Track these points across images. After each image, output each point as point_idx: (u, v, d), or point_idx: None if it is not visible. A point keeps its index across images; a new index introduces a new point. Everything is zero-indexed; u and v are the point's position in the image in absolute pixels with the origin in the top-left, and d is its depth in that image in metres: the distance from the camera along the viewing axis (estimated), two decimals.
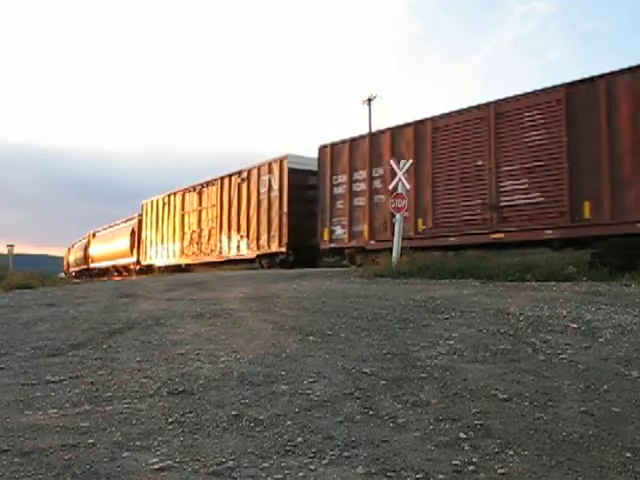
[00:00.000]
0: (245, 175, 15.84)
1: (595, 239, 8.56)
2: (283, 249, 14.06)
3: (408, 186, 9.82)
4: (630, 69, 8.54)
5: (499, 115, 10.10)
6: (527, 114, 9.74)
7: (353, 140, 12.67)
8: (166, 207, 20.09)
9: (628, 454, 2.22)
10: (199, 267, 17.48)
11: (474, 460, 2.16)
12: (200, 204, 18.06)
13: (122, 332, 4.95)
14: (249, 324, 4.99)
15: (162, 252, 19.94)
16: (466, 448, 2.28)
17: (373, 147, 12.14)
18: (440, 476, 2.04)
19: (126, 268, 22.47)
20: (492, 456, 2.20)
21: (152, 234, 20.80)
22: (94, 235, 27.19)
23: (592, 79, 8.98)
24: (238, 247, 15.82)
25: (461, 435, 2.40)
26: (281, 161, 14.49)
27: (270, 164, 14.84)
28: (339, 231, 12.75)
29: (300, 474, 2.08)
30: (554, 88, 9.43)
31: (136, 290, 8.68)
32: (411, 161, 10.14)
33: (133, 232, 22.14)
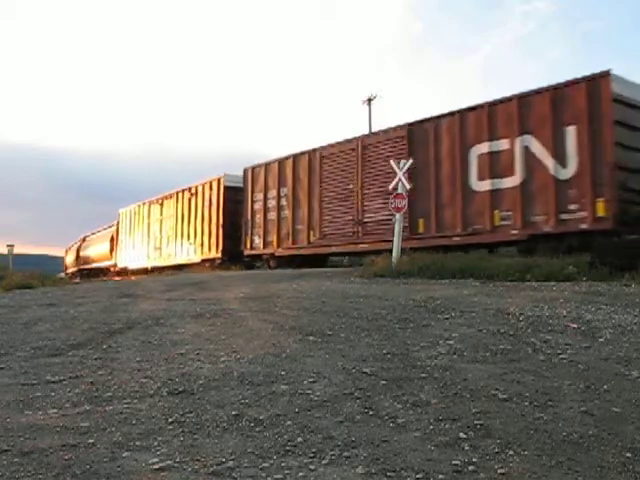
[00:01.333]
0: (194, 191, 18.42)
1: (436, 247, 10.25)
2: (219, 255, 16.79)
3: (408, 186, 9.82)
4: (447, 114, 11.01)
5: (364, 147, 12.46)
6: (383, 147, 12.16)
7: (267, 164, 15.21)
8: (136, 216, 22.56)
9: (628, 454, 2.22)
10: (162, 270, 19.29)
11: (474, 460, 2.16)
12: (161, 215, 20.72)
13: (122, 332, 4.95)
14: (249, 324, 5.00)
15: (133, 256, 22.31)
16: (466, 448, 2.28)
17: (280, 170, 14.69)
18: (440, 476, 2.04)
19: (107, 270, 24.67)
20: (492, 456, 2.20)
21: (126, 240, 23.28)
22: (84, 239, 29.68)
23: (423, 120, 11.48)
24: (188, 253, 18.49)
25: (461, 435, 2.40)
26: (219, 180, 17.09)
27: (211, 182, 17.46)
28: (257, 240, 15.44)
29: (300, 474, 2.08)
30: (400, 127, 11.86)
31: (136, 290, 8.68)
32: (411, 161, 10.16)
33: (112, 238, 24.64)
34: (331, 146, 13.35)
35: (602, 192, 8.72)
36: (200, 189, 17.99)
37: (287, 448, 2.32)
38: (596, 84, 8.99)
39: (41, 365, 3.89)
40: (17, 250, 27.73)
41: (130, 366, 3.72)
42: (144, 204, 22.02)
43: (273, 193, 14.90)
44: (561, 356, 3.57)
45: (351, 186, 12.62)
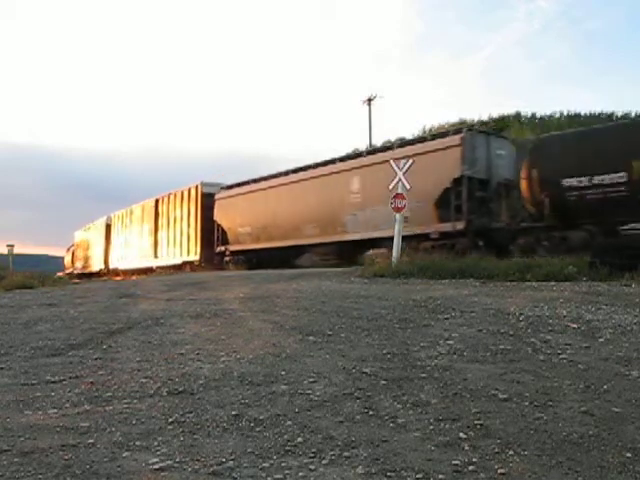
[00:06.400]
0: (98, 225, 30.09)
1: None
2: (104, 266, 28.20)
3: (408, 186, 9.82)
4: (165, 195, 22.02)
5: (144, 209, 23.99)
6: (147, 211, 23.33)
7: (117, 214, 27.02)
8: (80, 238, 34.15)
9: (628, 454, 2.22)
10: (90, 275, 29.76)
11: (474, 460, 2.16)
12: (87, 239, 32.28)
13: (122, 332, 4.95)
14: (249, 324, 5.00)
15: (78, 264, 33.46)
16: (466, 448, 2.28)
17: (123, 218, 26.25)
18: (440, 476, 2.04)
19: (71, 273, 34.65)
20: (492, 456, 2.20)
21: (76, 253, 34.77)
22: (68, 250, 39.96)
23: (159, 198, 22.46)
24: (98, 264, 29.26)
25: (461, 435, 2.40)
26: (105, 220, 28.60)
27: (102, 221, 28.94)
28: (115, 259, 27.00)
29: (300, 474, 2.08)
30: (152, 199, 23.09)
31: (136, 290, 8.68)
32: (411, 161, 10.16)
33: (73, 252, 36.06)
34: (136, 206, 24.89)
35: (200, 244, 19.32)
36: (99, 224, 29.74)
37: (287, 448, 2.32)
38: (197, 187, 19.73)
39: (41, 365, 3.89)
40: (17, 250, 28.39)
41: (130, 366, 3.72)
42: (81, 230, 33.88)
43: (119, 231, 26.83)
44: (561, 356, 3.57)
45: (147, 227, 23.55)
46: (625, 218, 9.00)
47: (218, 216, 18.58)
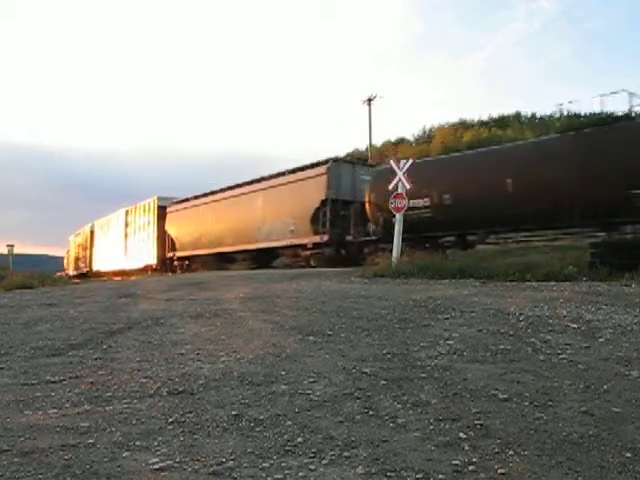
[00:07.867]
0: (86, 231, 33.36)
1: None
2: (89, 268, 32.02)
3: (408, 186, 9.83)
4: (133, 207, 26.02)
5: (118, 219, 27.62)
6: (119, 221, 27.22)
7: (98, 223, 30.88)
8: (73, 242, 37.97)
9: (628, 454, 2.22)
10: (82, 275, 32.64)
11: (474, 460, 2.16)
12: (77, 242, 36.14)
13: (122, 332, 4.95)
14: (249, 324, 4.99)
15: (72, 266, 37.19)
16: (466, 448, 2.28)
17: (104, 226, 29.83)
18: (440, 476, 2.04)
19: (68, 273, 38.03)
20: (492, 456, 2.20)
21: (70, 255, 38.78)
22: (67, 252, 43.37)
23: (128, 210, 26.50)
24: (84, 266, 33.12)
25: (461, 435, 2.40)
26: (90, 227, 32.30)
27: (88, 228, 33.13)
28: (99, 262, 30.11)
29: (300, 474, 2.08)
30: (123, 209, 27.11)
31: (136, 290, 8.68)
32: (411, 160, 10.18)
33: (68, 255, 40.52)
34: (112, 215, 28.39)
35: (157, 250, 23.05)
36: (86, 230, 33.26)
37: (287, 448, 2.32)
38: (154, 201, 23.52)
39: (41, 365, 3.89)
40: (17, 250, 28.60)
41: (130, 366, 3.72)
42: (73, 235, 38.00)
43: (100, 237, 30.43)
44: (561, 356, 3.57)
45: (124, 232, 26.29)
46: (433, 233, 12.30)
47: (168, 226, 22.78)
